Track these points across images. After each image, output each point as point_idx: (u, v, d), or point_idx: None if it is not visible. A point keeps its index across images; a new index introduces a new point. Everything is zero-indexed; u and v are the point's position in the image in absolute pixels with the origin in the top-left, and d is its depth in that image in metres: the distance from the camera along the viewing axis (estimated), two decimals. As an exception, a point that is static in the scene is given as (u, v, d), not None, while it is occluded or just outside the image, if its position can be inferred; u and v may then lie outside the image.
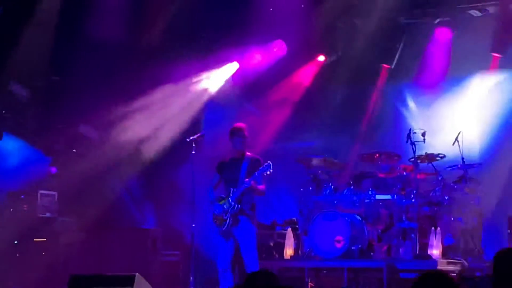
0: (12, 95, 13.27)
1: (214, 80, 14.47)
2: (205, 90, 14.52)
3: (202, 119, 14.66)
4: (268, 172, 9.79)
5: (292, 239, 12.70)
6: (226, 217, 9.85)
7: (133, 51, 13.62)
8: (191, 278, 10.50)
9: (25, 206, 13.56)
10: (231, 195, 9.86)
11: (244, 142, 10.05)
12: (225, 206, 9.87)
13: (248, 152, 10.13)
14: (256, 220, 10.26)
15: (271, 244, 13.13)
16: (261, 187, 9.89)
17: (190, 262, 10.65)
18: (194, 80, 14.32)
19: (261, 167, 9.81)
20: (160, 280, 12.52)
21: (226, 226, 9.85)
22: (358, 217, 12.00)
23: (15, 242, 13.09)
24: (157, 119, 14.08)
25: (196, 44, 13.97)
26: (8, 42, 12.55)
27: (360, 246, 11.72)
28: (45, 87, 13.33)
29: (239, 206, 9.81)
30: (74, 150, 14.00)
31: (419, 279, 3.73)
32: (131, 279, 8.49)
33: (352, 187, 12.39)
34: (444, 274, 3.75)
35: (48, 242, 13.24)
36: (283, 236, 12.93)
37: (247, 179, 9.79)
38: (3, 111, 13.48)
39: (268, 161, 9.86)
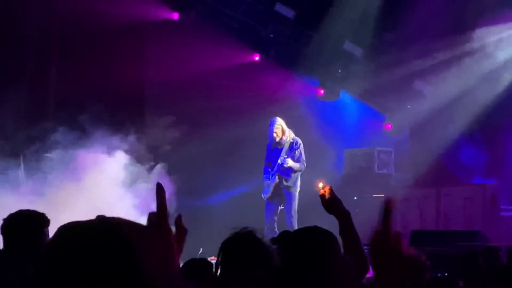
0: (347, 54, 13.58)
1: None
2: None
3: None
4: None
5: None
6: None
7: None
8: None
9: (363, 162, 13.93)
10: None
11: None
12: None
13: None
14: None
15: None
16: None
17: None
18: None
19: None
20: (499, 236, 12.18)
21: None
22: None
23: (355, 198, 13.49)
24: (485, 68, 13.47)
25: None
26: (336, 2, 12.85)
27: None
28: (378, 44, 13.43)
29: None
30: (408, 107, 14.01)
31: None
32: (474, 235, 8.39)
33: None
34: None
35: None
36: None
37: None
38: (339, 70, 13.86)
39: None
